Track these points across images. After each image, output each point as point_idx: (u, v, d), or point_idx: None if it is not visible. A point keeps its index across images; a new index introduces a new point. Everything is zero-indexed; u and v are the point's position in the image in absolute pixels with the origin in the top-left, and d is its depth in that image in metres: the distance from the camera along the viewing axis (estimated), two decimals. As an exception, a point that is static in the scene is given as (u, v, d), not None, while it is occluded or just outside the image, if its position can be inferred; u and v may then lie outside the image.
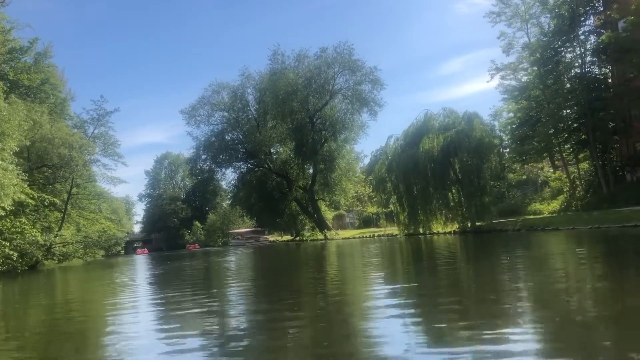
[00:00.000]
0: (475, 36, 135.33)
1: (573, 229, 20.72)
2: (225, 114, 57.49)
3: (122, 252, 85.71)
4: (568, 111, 31.13)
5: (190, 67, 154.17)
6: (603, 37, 26.60)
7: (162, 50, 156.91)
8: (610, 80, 32.39)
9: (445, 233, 30.85)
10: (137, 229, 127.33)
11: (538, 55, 32.32)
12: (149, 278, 18.64)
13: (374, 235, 40.89)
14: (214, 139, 57.48)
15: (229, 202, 73.86)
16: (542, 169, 46.84)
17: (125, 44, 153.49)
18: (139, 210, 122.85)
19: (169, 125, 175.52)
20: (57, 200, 46.09)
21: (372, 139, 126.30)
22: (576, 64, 32.02)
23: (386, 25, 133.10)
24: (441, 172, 29.81)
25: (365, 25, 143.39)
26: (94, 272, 26.50)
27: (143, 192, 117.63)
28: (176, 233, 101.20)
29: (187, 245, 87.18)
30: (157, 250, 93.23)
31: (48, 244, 45.88)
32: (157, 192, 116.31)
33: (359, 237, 42.83)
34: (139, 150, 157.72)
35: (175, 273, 19.50)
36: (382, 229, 42.61)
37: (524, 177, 47.66)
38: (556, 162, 43.07)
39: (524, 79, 37.70)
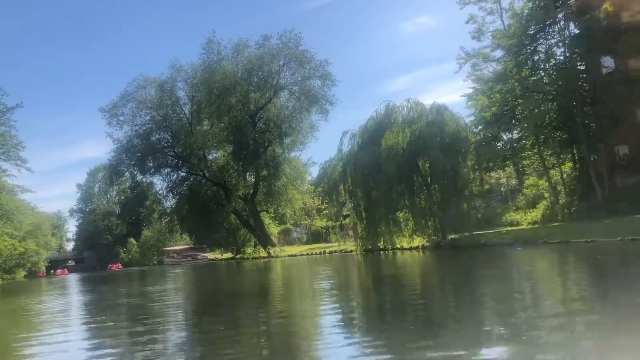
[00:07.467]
0: (421, 55, 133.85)
1: (592, 242, 15.47)
2: (153, 112, 49.22)
3: (52, 271, 75.83)
4: (553, 104, 26.64)
5: (128, 79, 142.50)
6: (604, 5, 22.14)
7: (97, 62, 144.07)
8: (583, 69, 28.58)
9: (411, 248, 25.31)
10: (70, 246, 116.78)
11: (513, 41, 27.92)
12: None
13: (324, 252, 34.71)
14: (137, 140, 48.98)
15: (156, 215, 65.21)
16: (499, 179, 43.29)
17: (59, 56, 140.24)
18: (72, 227, 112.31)
19: (110, 140, 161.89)
20: None
21: (321, 148, 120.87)
22: (558, 53, 27.90)
23: (331, 44, 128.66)
24: (408, 173, 24.33)
25: (308, 43, 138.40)
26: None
27: (75, 207, 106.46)
28: (110, 251, 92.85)
29: (110, 265, 78.14)
30: (89, 270, 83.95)
31: None
32: (89, 207, 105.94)
33: (308, 254, 36.57)
34: (76, 165, 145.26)
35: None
36: (335, 245, 36.52)
37: (487, 186, 43.53)
38: (525, 168, 39.15)
39: (488, 71, 33.65)
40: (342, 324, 7.11)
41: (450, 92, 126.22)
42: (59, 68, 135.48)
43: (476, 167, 26.75)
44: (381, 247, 25.94)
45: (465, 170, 24.29)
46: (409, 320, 6.86)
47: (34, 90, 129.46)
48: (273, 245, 46.69)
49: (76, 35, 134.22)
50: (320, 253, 35.04)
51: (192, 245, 64.04)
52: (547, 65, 28.39)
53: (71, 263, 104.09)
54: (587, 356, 4.51)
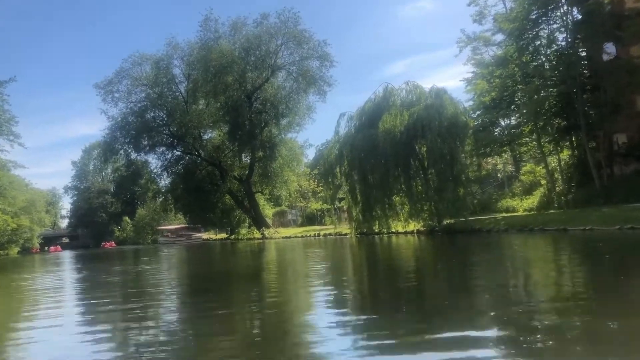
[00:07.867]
0: (421, 39, 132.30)
1: (590, 229, 15.36)
2: (148, 90, 48.32)
3: (46, 248, 75.97)
4: (552, 90, 26.31)
5: (124, 57, 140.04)
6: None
7: (93, 39, 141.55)
8: (584, 56, 28.21)
9: (406, 233, 25.23)
10: (64, 223, 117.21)
11: (515, 25, 27.43)
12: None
13: (319, 235, 34.66)
14: (131, 117, 48.17)
15: (151, 194, 64.87)
16: (496, 165, 43.19)
17: (57, 33, 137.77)
18: (67, 204, 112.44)
19: (105, 117, 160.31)
20: None
21: (318, 131, 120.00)
22: (560, 39, 27.43)
23: (330, 27, 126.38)
24: (405, 156, 24.04)
25: (306, 26, 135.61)
26: None
27: (69, 185, 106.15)
28: (104, 229, 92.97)
29: (103, 243, 78.22)
30: (82, 247, 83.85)
31: None
32: (84, 185, 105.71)
33: (302, 236, 36.52)
34: (71, 142, 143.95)
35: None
36: (330, 227, 36.44)
37: (484, 171, 43.39)
38: (522, 155, 38.96)
39: (489, 55, 33.18)
40: (335, 305, 7.00)
41: (449, 77, 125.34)
42: (53, 46, 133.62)
43: (474, 152, 26.53)
44: (376, 230, 25.83)
45: (463, 155, 24.08)
46: (402, 303, 6.72)
47: (28, 68, 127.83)
48: (267, 227, 46.58)
49: (71, 12, 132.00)
50: (314, 235, 34.98)
51: (187, 225, 63.98)
52: (549, 50, 27.95)
53: (65, 240, 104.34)
54: (580, 340, 4.38)
